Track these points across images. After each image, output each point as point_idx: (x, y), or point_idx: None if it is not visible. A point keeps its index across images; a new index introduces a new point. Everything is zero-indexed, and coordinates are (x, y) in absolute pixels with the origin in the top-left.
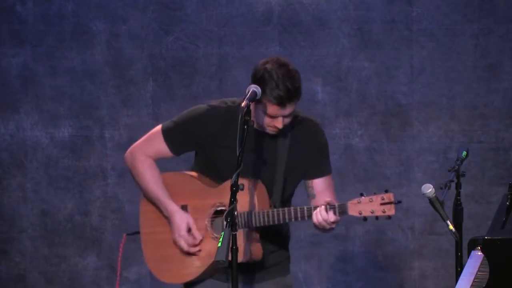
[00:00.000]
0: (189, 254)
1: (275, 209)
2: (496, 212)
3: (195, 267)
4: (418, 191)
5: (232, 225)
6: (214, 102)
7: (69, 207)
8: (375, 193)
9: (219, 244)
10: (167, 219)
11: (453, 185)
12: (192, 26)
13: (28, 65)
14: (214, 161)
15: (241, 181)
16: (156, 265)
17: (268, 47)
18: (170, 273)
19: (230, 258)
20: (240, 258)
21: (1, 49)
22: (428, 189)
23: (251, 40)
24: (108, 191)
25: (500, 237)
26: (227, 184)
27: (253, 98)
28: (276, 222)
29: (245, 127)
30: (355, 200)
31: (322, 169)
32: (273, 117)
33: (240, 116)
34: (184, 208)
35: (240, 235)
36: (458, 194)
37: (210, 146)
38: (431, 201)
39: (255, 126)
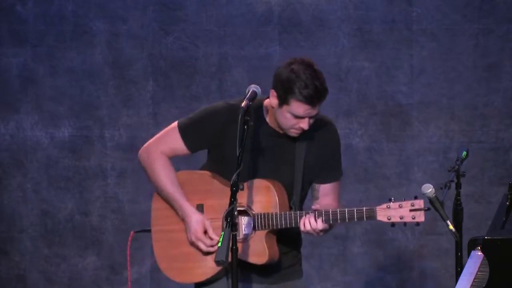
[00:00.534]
0: (203, 254)
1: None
2: (496, 212)
3: (209, 267)
4: (418, 191)
5: (232, 225)
6: (232, 101)
7: (69, 207)
8: (404, 199)
9: (219, 244)
10: (181, 218)
11: (453, 185)
12: (192, 26)
13: (28, 65)
14: (228, 159)
15: (260, 182)
16: (168, 264)
17: (268, 47)
18: (182, 272)
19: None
20: (264, 259)
21: (1, 49)
22: (428, 189)
23: (251, 40)
24: (108, 191)
25: (500, 237)
26: (244, 184)
27: (253, 98)
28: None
29: (245, 127)
30: (384, 205)
31: (334, 175)
32: (300, 117)
33: (240, 116)
34: (199, 207)
35: (262, 236)
36: (458, 194)
37: (225, 144)
38: (431, 201)
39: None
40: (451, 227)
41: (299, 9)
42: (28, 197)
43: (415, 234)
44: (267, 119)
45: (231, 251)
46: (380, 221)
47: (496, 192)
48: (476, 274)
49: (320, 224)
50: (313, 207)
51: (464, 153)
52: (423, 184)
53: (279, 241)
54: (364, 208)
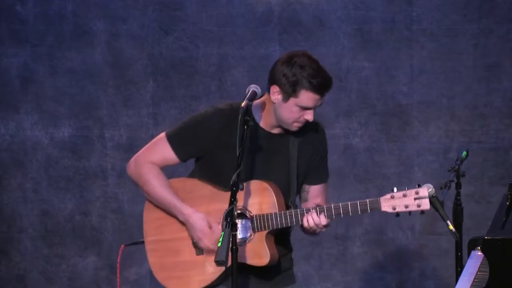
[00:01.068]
0: (202, 260)
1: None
2: (496, 212)
3: (209, 273)
4: None
5: (232, 225)
6: (220, 105)
7: (69, 207)
8: (406, 188)
9: (219, 244)
10: (178, 225)
11: (453, 185)
12: (192, 26)
13: (28, 65)
14: (221, 165)
15: (257, 183)
16: (166, 274)
17: (268, 47)
18: (182, 281)
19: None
20: (265, 261)
21: (1, 49)
22: (428, 189)
23: (251, 40)
24: (108, 191)
25: (500, 237)
26: (243, 184)
27: (253, 98)
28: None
29: (245, 127)
30: (388, 196)
31: (323, 176)
32: (306, 109)
33: (240, 116)
34: None
35: (262, 237)
36: (458, 194)
37: (217, 150)
38: (431, 201)
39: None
40: (451, 227)
41: (299, 9)
42: (28, 197)
43: (415, 234)
44: (261, 121)
45: (231, 251)
46: (385, 211)
47: (496, 192)
48: (476, 274)
49: (323, 219)
50: (315, 203)
51: (464, 153)
52: (423, 184)
53: (278, 242)
54: (368, 200)
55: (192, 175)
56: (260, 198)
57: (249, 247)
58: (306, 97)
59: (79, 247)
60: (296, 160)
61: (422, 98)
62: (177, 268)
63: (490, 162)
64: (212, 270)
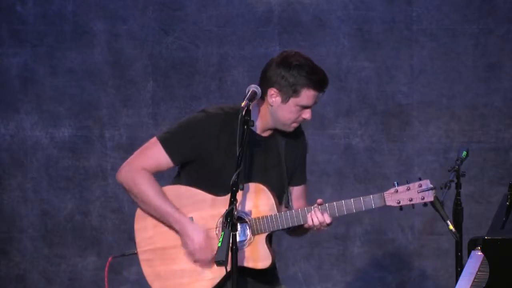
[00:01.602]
0: (199, 266)
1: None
2: (496, 212)
3: (207, 279)
4: None
5: (232, 225)
6: (211, 109)
7: (69, 207)
8: (408, 182)
9: (219, 244)
10: (172, 232)
11: (453, 185)
12: (192, 26)
13: (28, 65)
14: (218, 168)
15: (253, 186)
16: (162, 283)
17: (268, 47)
18: None
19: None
20: (268, 263)
21: (1, 49)
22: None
23: (251, 40)
24: (108, 191)
25: (500, 237)
26: (243, 184)
27: (253, 98)
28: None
29: (245, 127)
30: (392, 190)
31: (303, 178)
32: (306, 107)
33: (240, 116)
34: (190, 220)
35: (262, 240)
36: (458, 194)
37: (211, 154)
38: (431, 201)
39: (255, 127)
40: (451, 227)
41: (299, 9)
42: (28, 197)
43: (415, 234)
44: (255, 125)
45: (231, 251)
46: (389, 206)
47: (496, 192)
48: (476, 274)
49: (327, 218)
50: (318, 200)
51: (464, 153)
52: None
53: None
54: (371, 195)
55: (179, 180)
56: (257, 201)
57: (249, 250)
58: (307, 95)
59: (79, 247)
60: (285, 161)
61: (422, 98)
62: (173, 276)
63: (490, 162)
64: (210, 276)
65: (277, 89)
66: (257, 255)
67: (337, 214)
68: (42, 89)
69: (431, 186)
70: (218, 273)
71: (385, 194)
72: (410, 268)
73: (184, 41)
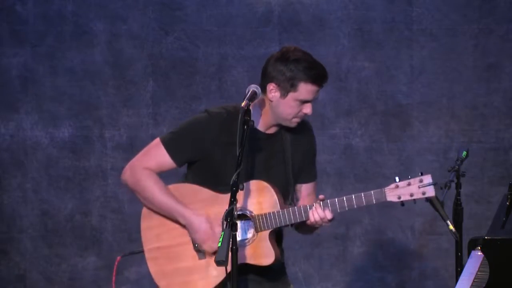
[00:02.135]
0: (204, 264)
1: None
2: (496, 212)
3: (213, 276)
4: None
5: (232, 225)
6: (214, 109)
7: (69, 207)
8: (410, 177)
9: (219, 244)
10: (178, 230)
11: (453, 185)
12: (192, 26)
13: (28, 65)
14: (220, 167)
15: (256, 183)
16: (169, 280)
17: (268, 47)
18: (186, 287)
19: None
20: (271, 259)
21: (1, 49)
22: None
23: (251, 40)
24: (108, 191)
25: (500, 237)
26: (243, 184)
27: (253, 98)
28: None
29: (245, 127)
30: (392, 185)
31: (313, 175)
32: (306, 102)
33: (240, 116)
34: None
35: (265, 236)
36: (458, 194)
37: (215, 152)
38: (431, 201)
39: (256, 126)
40: (451, 227)
41: (299, 9)
42: (28, 197)
43: (415, 234)
44: (258, 123)
45: (231, 251)
46: (390, 201)
47: (496, 192)
48: (476, 274)
49: (328, 213)
50: (320, 196)
51: (464, 153)
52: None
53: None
54: (372, 191)
55: (186, 180)
56: (260, 198)
57: (252, 247)
58: (305, 89)
59: (79, 247)
60: (291, 158)
61: (422, 98)
62: (179, 274)
63: (490, 162)
64: (215, 273)
65: (276, 84)
66: (261, 252)
67: (338, 210)
68: (42, 89)
69: (432, 181)
70: (223, 270)
71: (385, 189)
72: (410, 268)
73: (184, 41)
